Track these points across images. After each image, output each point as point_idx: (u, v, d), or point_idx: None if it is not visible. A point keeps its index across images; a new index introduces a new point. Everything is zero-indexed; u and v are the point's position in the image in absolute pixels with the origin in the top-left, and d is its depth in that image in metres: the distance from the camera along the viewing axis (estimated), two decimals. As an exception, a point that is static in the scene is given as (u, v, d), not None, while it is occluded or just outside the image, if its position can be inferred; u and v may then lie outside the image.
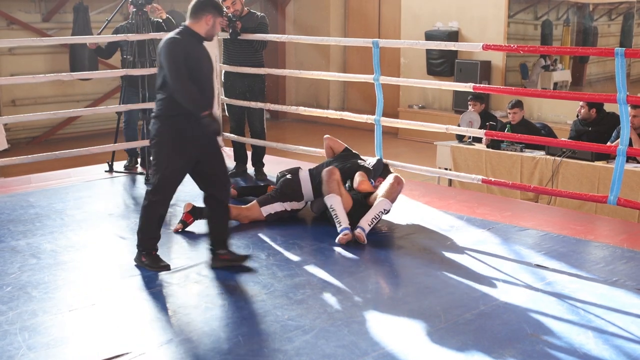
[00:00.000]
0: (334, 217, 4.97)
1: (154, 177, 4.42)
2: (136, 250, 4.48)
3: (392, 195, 5.09)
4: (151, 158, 4.47)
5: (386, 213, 5.08)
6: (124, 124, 7.27)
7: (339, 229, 4.91)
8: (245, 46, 6.75)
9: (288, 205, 5.38)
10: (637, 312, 3.84)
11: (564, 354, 3.37)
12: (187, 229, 5.17)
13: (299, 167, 5.61)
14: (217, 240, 4.46)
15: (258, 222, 5.32)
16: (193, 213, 5.19)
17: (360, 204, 5.18)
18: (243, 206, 5.37)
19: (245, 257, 4.53)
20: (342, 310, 3.86)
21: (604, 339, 3.53)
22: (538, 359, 3.33)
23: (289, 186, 5.40)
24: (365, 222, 4.94)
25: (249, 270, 4.41)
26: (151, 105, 7.06)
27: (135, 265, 4.45)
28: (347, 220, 4.95)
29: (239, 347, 3.43)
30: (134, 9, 6.87)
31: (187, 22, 4.42)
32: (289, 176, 5.46)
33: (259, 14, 6.95)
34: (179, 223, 5.17)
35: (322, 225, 5.26)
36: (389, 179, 5.21)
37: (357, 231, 4.88)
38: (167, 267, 4.40)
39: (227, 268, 4.40)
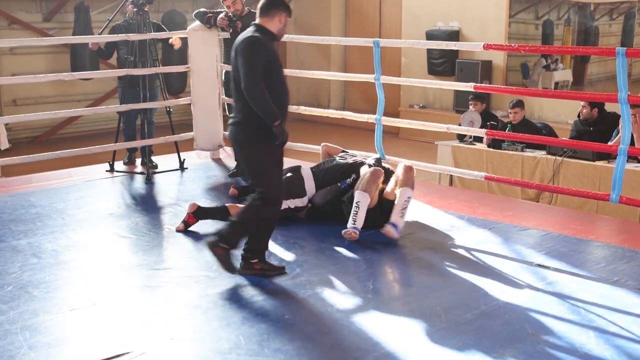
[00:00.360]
0: (353, 213, 4.95)
1: (261, 189, 4.19)
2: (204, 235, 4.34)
3: (409, 183, 5.04)
4: (249, 170, 4.30)
5: (410, 200, 5.04)
6: (123, 125, 7.27)
7: (350, 225, 4.91)
8: None
9: (291, 203, 5.37)
10: (638, 312, 3.84)
11: (565, 354, 3.37)
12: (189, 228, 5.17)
13: (299, 165, 5.62)
14: (254, 249, 4.30)
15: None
16: (197, 215, 5.16)
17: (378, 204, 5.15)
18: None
19: (280, 269, 4.34)
20: (342, 310, 3.86)
21: (605, 339, 3.53)
22: (539, 358, 3.33)
23: (292, 183, 5.39)
24: (396, 216, 4.92)
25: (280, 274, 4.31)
26: (150, 105, 7.14)
27: (212, 242, 4.19)
28: (363, 223, 4.94)
29: (240, 346, 3.43)
30: (135, 9, 6.87)
31: (258, 21, 4.22)
32: (290, 174, 5.46)
33: None
34: (181, 223, 5.15)
35: (323, 225, 5.26)
36: (399, 170, 5.16)
37: (387, 228, 4.87)
38: (233, 271, 4.23)
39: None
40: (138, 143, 7.19)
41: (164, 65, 7.70)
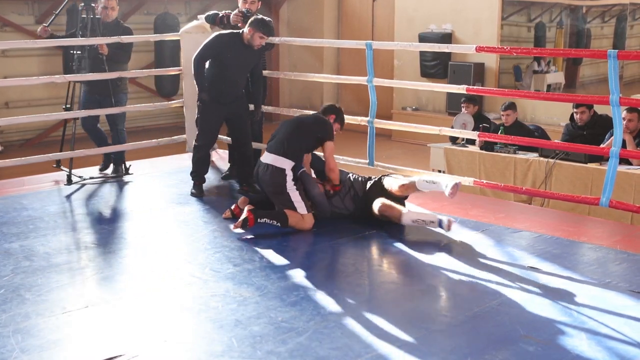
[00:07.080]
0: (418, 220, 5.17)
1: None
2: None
3: (395, 212, 5.19)
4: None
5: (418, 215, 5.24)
6: (81, 125, 7.08)
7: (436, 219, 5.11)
8: None
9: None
10: (630, 313, 3.85)
11: (557, 356, 3.38)
12: (176, 232, 5.16)
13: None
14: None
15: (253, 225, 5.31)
16: (255, 213, 5.09)
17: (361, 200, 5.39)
18: (300, 221, 5.18)
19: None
20: (335, 312, 3.86)
21: (597, 341, 3.54)
22: (531, 360, 3.34)
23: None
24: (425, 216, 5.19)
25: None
26: (142, 108, 7.13)
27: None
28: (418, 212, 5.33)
29: (232, 349, 3.43)
30: (81, 5, 6.67)
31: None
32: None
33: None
34: (240, 220, 5.10)
35: (317, 228, 5.26)
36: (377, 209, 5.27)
37: (446, 221, 5.05)
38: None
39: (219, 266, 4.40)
40: (129, 146, 7.17)
41: (157, 67, 7.69)
